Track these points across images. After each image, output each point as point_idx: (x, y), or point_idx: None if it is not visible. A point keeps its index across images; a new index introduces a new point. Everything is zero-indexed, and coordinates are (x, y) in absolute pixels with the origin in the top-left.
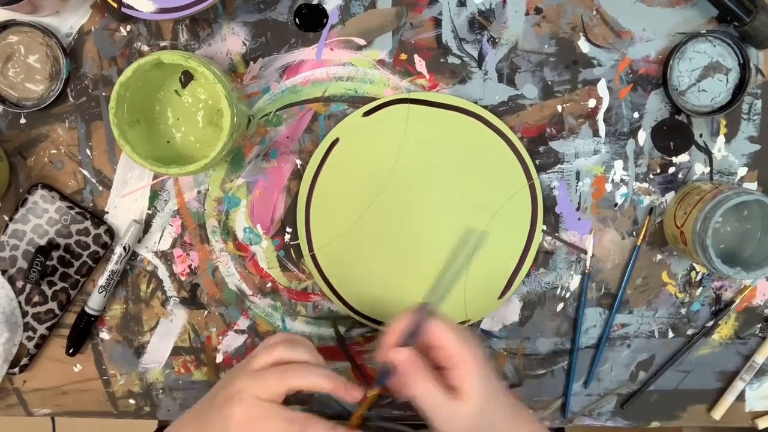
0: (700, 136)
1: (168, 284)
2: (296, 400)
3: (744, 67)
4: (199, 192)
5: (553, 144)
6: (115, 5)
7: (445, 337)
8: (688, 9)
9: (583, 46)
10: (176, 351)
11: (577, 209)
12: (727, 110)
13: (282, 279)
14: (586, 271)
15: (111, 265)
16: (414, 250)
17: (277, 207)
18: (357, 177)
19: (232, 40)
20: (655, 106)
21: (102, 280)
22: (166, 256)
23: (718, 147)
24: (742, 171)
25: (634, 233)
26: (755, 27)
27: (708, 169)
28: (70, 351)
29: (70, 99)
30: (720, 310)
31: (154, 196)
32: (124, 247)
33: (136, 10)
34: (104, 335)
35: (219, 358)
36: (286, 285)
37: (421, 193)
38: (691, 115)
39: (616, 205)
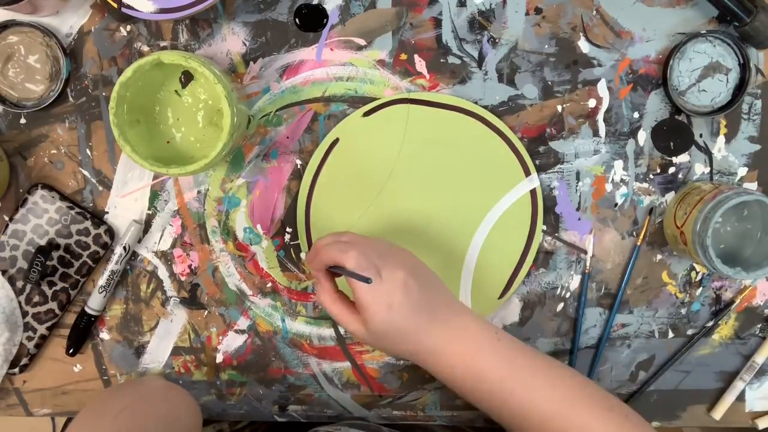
0: (700, 136)
1: (168, 284)
2: (296, 400)
3: (744, 67)
4: (199, 192)
5: (553, 144)
6: (115, 5)
7: (355, 286)
8: (688, 9)
9: (583, 46)
10: (176, 351)
11: (577, 209)
12: (727, 110)
13: (282, 279)
14: (586, 271)
15: (111, 265)
16: (413, 249)
17: (277, 207)
18: (357, 177)
19: (232, 40)
20: (655, 106)
21: (102, 280)
22: (166, 256)
23: (718, 147)
24: (742, 171)
25: (634, 233)
26: (755, 27)
27: (708, 169)
28: (70, 351)
29: (70, 99)
30: (720, 310)
31: (154, 196)
32: (124, 247)
33: (136, 10)
34: (104, 335)
35: (219, 358)
36: (286, 285)
37: (420, 193)
38: (691, 115)
39: (616, 205)
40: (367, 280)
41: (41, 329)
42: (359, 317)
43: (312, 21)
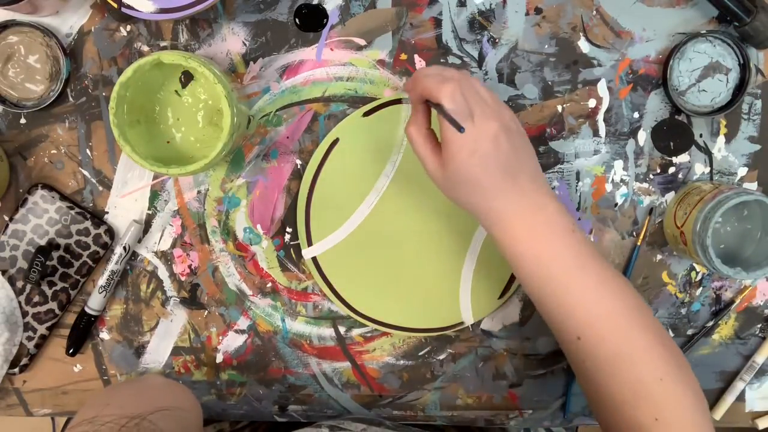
0: (700, 136)
1: (168, 284)
2: (296, 400)
3: (744, 67)
4: (199, 192)
5: (553, 144)
6: (115, 5)
7: (444, 122)
8: (688, 9)
9: (583, 46)
10: (176, 351)
11: (578, 209)
12: (727, 110)
13: (282, 279)
14: None
15: (111, 265)
16: (414, 249)
17: (277, 207)
18: (357, 177)
19: (232, 40)
20: (655, 106)
21: (102, 280)
22: (166, 256)
23: (718, 147)
24: (742, 171)
25: (634, 233)
26: (755, 27)
27: (708, 169)
28: (70, 351)
29: (70, 99)
30: (720, 310)
31: (154, 196)
32: (124, 247)
33: (136, 10)
34: (104, 335)
35: (219, 358)
36: (286, 285)
37: (421, 192)
38: (691, 115)
39: (616, 205)
40: (459, 129)
41: (41, 329)
42: (440, 159)
43: (312, 21)
